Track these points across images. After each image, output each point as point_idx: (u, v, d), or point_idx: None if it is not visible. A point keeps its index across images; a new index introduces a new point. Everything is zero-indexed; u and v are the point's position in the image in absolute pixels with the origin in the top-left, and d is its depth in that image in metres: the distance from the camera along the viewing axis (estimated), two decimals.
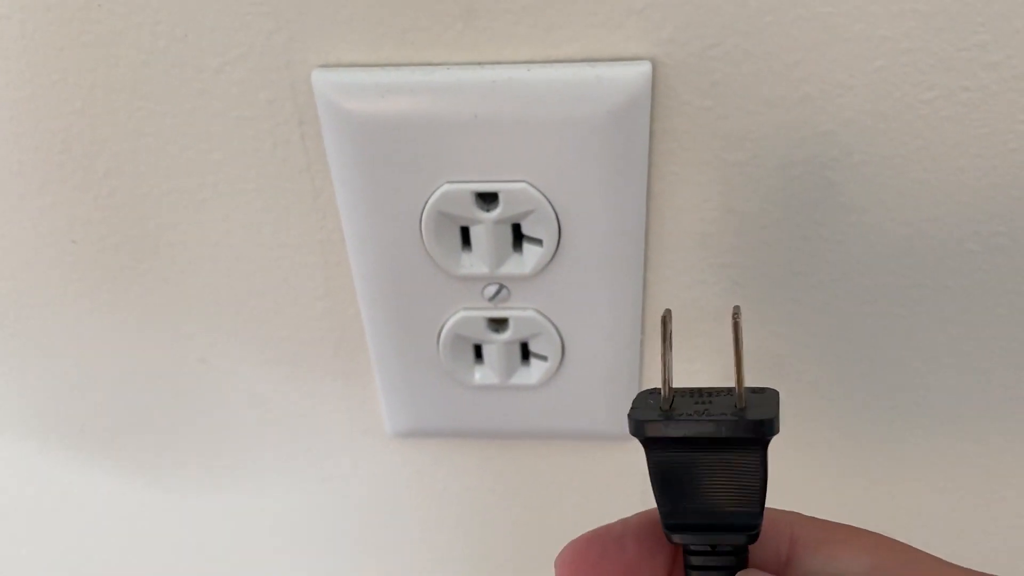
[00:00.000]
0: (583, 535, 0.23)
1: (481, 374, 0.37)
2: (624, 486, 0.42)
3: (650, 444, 0.23)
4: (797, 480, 0.41)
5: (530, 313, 0.35)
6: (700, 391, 0.24)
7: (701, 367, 0.37)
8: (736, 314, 0.22)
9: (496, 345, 0.36)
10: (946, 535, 0.43)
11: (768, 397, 0.23)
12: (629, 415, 0.23)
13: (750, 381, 0.37)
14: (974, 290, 0.34)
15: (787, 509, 0.25)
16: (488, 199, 0.32)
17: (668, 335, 0.23)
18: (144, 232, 0.36)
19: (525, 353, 0.37)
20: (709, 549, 0.23)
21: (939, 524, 0.42)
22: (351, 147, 0.32)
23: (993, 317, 0.35)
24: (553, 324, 0.36)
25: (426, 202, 0.32)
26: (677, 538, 0.23)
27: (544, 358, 0.37)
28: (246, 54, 0.31)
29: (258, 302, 0.37)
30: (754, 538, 0.23)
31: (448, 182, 0.32)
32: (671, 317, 0.23)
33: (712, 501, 0.23)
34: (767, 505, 0.23)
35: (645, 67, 0.30)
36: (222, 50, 0.31)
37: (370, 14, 0.30)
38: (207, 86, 0.32)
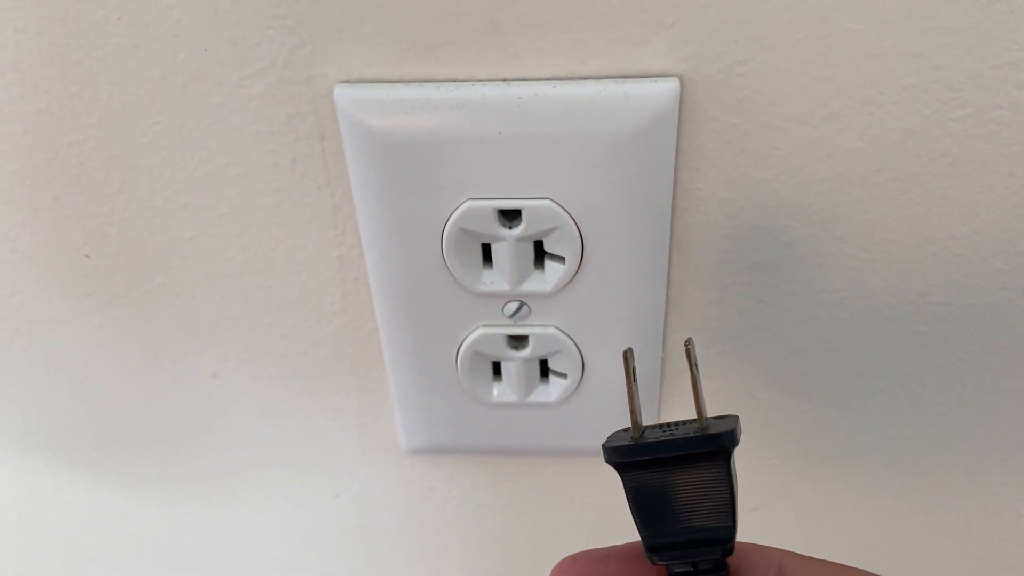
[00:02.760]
0: (568, 556, 0.24)
1: (499, 391, 0.37)
2: None
3: (623, 469, 0.25)
4: (830, 512, 0.41)
5: (550, 330, 0.35)
6: (669, 423, 0.25)
7: (722, 384, 0.37)
8: (688, 343, 0.25)
9: (515, 362, 0.36)
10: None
11: (729, 419, 0.25)
12: (603, 445, 0.25)
13: (771, 396, 0.37)
14: (1000, 308, 0.34)
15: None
16: (511, 216, 0.32)
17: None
18: (159, 246, 0.35)
19: (544, 370, 0.37)
20: (691, 569, 0.24)
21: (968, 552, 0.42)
22: (373, 163, 0.31)
23: (1019, 336, 0.34)
24: (573, 341, 0.35)
25: (448, 219, 0.32)
26: (657, 559, 0.25)
27: (564, 375, 0.36)
28: (267, 68, 0.30)
29: (274, 317, 0.37)
30: (729, 551, 0.24)
31: (471, 199, 0.31)
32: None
33: (686, 520, 0.24)
34: (761, 543, 0.25)
35: (673, 84, 0.29)
36: (242, 64, 0.30)
37: (393, 29, 0.29)
38: (226, 100, 0.31)
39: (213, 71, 0.31)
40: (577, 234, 0.32)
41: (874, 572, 0.23)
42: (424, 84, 0.30)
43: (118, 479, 0.44)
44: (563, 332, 0.35)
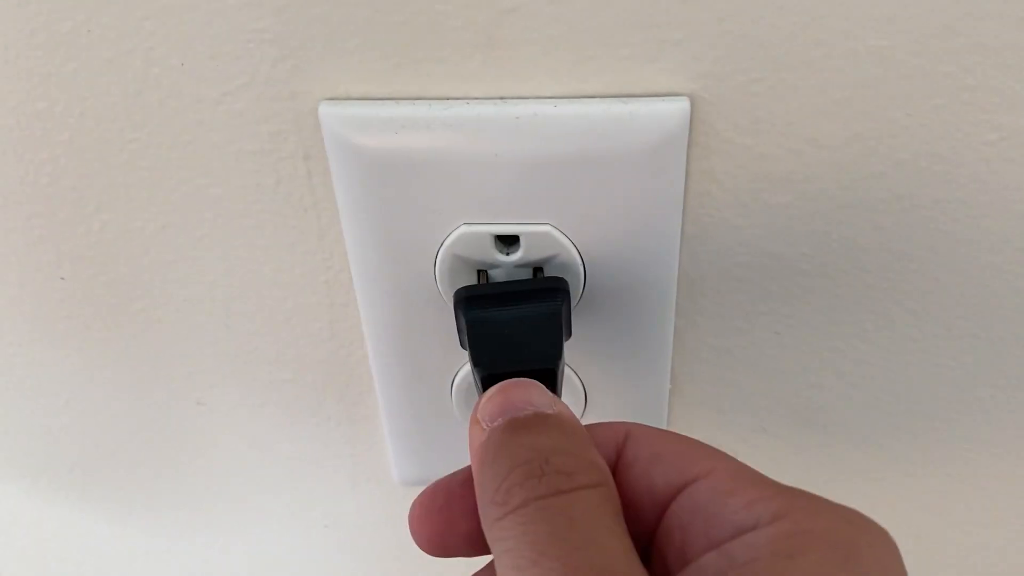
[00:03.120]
0: (428, 486, 0.23)
1: None
2: None
3: (466, 304, 0.28)
4: None
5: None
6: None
7: (732, 418, 0.35)
8: None
9: None
10: None
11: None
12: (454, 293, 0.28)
13: (783, 430, 0.35)
14: None
15: None
16: (508, 241, 0.30)
17: None
18: (138, 269, 0.33)
19: None
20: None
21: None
22: (361, 185, 0.29)
23: None
24: (575, 374, 0.33)
25: (441, 244, 0.30)
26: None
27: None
28: (248, 84, 0.28)
29: (259, 343, 0.35)
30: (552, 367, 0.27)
31: (466, 223, 0.29)
32: None
33: (519, 352, 0.27)
34: None
35: (682, 103, 0.27)
36: (222, 79, 0.28)
37: (383, 43, 0.27)
38: (206, 117, 0.29)
39: (191, 87, 0.29)
40: (579, 262, 0.30)
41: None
42: (415, 102, 0.28)
43: (99, 508, 0.42)
44: (568, 365, 0.33)
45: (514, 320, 0.27)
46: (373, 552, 0.42)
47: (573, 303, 0.31)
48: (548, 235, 0.29)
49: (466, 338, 0.28)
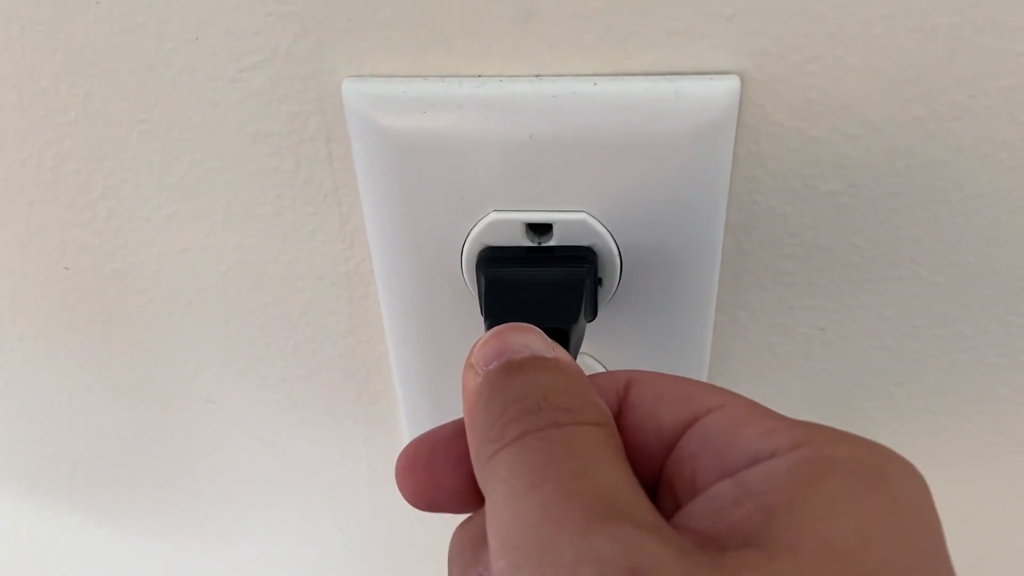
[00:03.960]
0: (413, 440, 0.22)
1: None
2: None
3: (488, 263, 0.27)
4: None
5: (584, 359, 0.31)
6: None
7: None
8: None
9: None
10: None
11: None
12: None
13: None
14: None
15: None
16: (540, 230, 0.28)
17: None
18: (146, 259, 0.32)
19: None
20: None
21: None
22: (385, 169, 0.27)
23: None
24: (605, 369, 0.31)
25: (469, 232, 0.28)
26: None
27: None
28: (267, 60, 0.27)
29: (273, 338, 0.33)
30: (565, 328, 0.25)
31: (496, 210, 0.28)
32: None
33: (534, 313, 0.26)
34: None
35: (732, 82, 0.25)
36: (239, 55, 0.27)
37: (412, 16, 0.25)
38: (221, 96, 0.28)
39: (206, 63, 0.27)
40: (615, 252, 0.28)
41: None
42: (445, 80, 0.26)
43: (102, 509, 0.40)
44: (597, 361, 0.31)
45: (534, 282, 0.27)
46: (388, 557, 0.41)
47: (607, 296, 0.29)
48: (583, 223, 0.27)
49: (482, 299, 0.27)
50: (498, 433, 0.18)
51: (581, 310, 0.26)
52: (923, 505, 0.17)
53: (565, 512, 0.16)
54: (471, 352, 0.22)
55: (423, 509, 0.22)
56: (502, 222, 0.28)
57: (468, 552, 0.20)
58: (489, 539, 0.17)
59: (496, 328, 0.22)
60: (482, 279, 0.27)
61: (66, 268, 0.32)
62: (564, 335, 0.26)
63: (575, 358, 0.27)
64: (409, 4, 0.25)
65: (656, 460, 0.20)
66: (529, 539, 0.16)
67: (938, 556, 0.16)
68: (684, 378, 0.21)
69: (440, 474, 0.21)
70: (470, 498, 0.20)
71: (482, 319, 0.29)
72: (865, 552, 0.15)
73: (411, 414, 0.34)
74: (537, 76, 0.26)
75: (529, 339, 0.21)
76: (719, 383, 0.32)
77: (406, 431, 0.34)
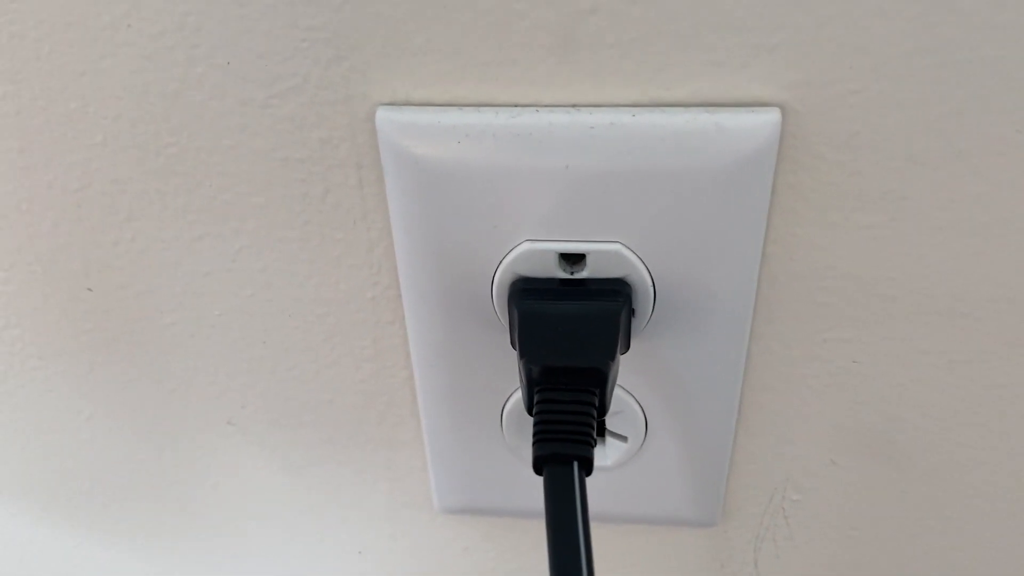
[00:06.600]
0: None
1: None
2: (698, 574, 0.38)
3: (521, 296, 0.27)
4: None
5: (616, 392, 0.30)
6: None
7: (802, 450, 0.33)
8: None
9: None
10: None
11: None
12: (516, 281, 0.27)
13: (855, 463, 0.33)
14: None
15: None
16: (573, 260, 0.28)
17: None
18: (170, 281, 0.31)
19: (600, 429, 0.32)
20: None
21: None
22: (417, 197, 0.27)
23: None
24: (637, 401, 0.31)
25: (501, 261, 0.28)
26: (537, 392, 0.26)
27: (623, 438, 0.32)
28: (299, 86, 0.26)
29: (297, 361, 0.33)
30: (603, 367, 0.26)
31: (529, 240, 0.27)
32: None
33: (570, 348, 0.26)
34: None
35: (774, 115, 0.25)
36: (271, 80, 0.26)
37: (447, 43, 0.25)
38: (250, 121, 0.27)
39: (236, 88, 0.26)
40: (649, 283, 0.28)
41: None
42: (481, 109, 0.26)
43: (122, 531, 0.40)
44: (625, 391, 0.31)
45: (569, 316, 0.26)
46: None
47: (640, 326, 0.29)
48: (617, 254, 0.27)
49: (516, 332, 0.27)
50: None
51: (617, 346, 0.26)
52: None
53: None
54: None
55: None
56: (535, 252, 0.27)
57: None
58: None
59: None
60: (515, 312, 0.27)
61: (89, 289, 0.32)
62: (602, 377, 0.26)
63: (611, 394, 0.27)
64: (444, 31, 0.25)
65: None
66: None
67: None
68: None
69: None
70: None
71: (509, 347, 0.29)
72: None
73: (434, 439, 0.33)
74: (575, 106, 0.26)
75: None
76: (748, 413, 0.32)
77: (429, 455, 0.34)
